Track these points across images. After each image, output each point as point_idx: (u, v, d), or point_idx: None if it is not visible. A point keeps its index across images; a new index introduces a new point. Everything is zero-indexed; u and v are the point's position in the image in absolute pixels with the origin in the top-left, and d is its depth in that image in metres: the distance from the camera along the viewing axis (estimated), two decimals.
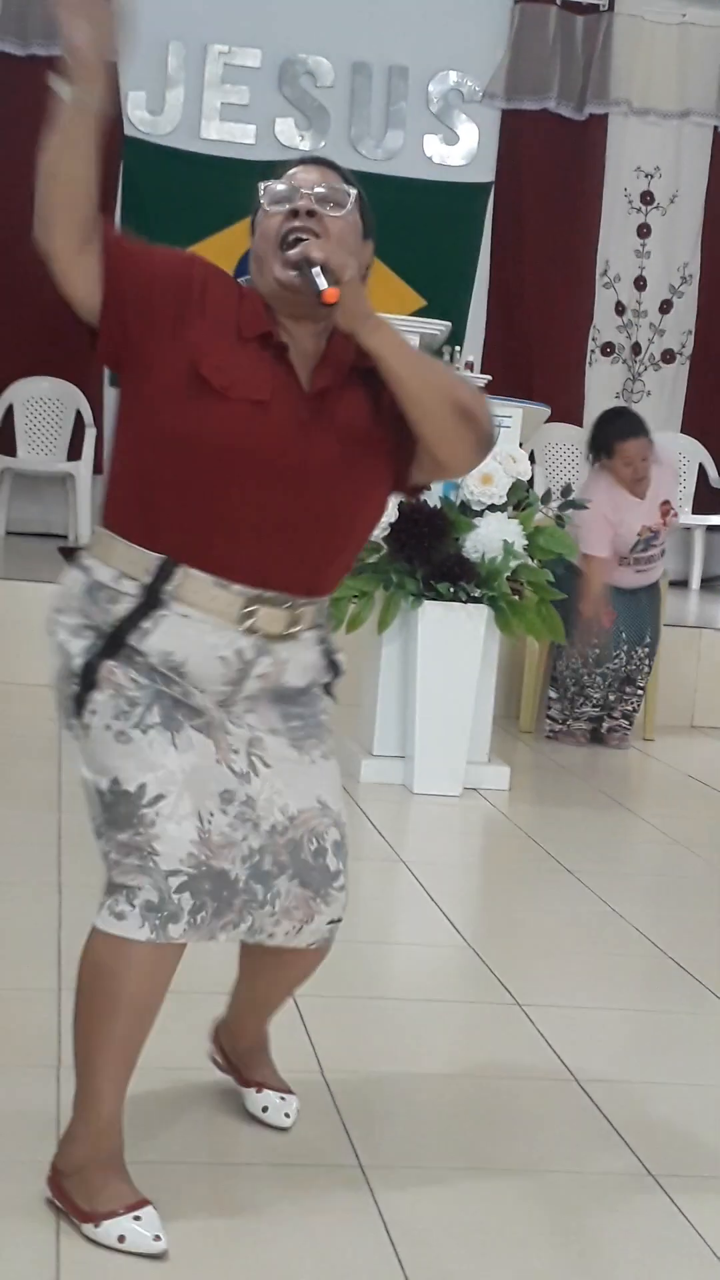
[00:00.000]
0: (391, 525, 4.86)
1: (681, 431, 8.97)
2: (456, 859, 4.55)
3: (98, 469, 8.00)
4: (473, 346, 8.61)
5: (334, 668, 2.36)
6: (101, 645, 2.18)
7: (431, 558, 4.91)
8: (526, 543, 4.98)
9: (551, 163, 8.81)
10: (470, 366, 8.03)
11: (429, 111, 8.83)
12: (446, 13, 8.64)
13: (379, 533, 4.87)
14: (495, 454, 5.01)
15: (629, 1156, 2.55)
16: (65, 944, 3.16)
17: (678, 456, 8.18)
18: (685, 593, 8.50)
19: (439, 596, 4.90)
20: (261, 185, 2.25)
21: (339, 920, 2.35)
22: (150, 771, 2.14)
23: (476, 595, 4.93)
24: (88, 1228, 2.14)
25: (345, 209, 2.22)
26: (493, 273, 8.89)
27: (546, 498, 5.33)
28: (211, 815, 2.17)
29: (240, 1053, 2.60)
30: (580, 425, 8.22)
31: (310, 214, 2.20)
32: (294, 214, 2.20)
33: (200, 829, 2.15)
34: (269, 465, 2.15)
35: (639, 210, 9.07)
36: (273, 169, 2.27)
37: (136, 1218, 2.13)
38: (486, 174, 8.88)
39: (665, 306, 9.12)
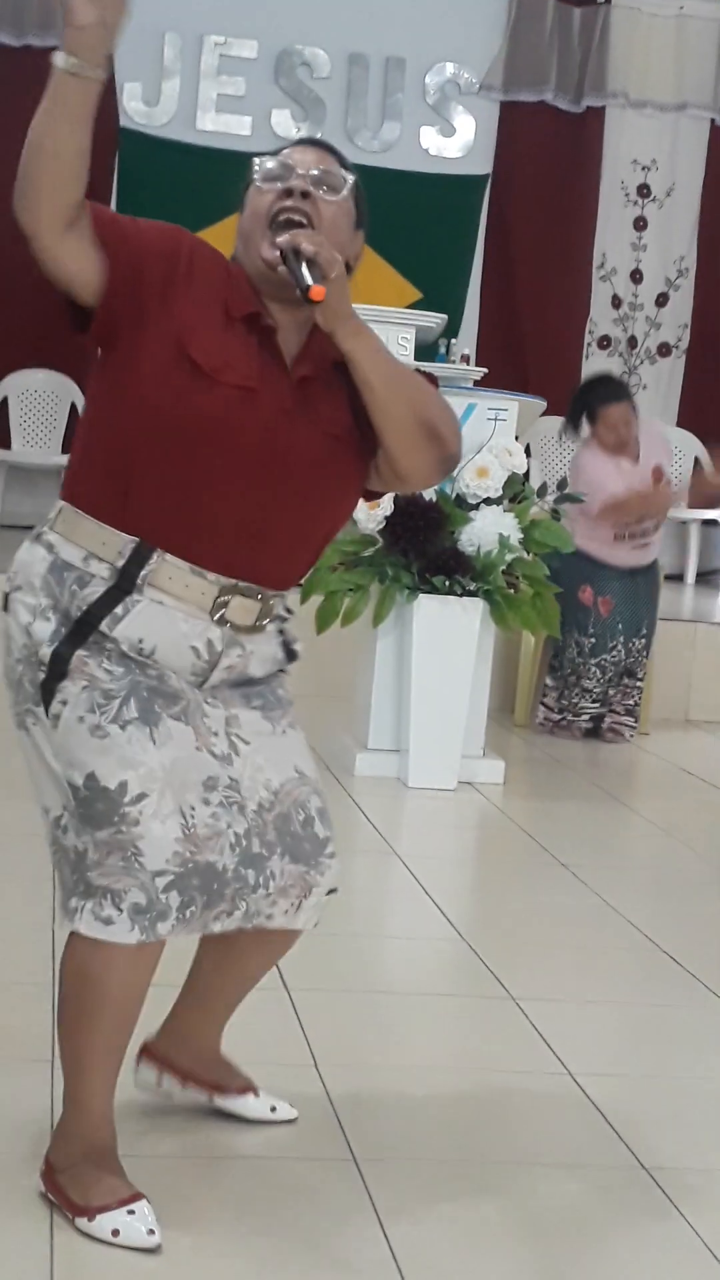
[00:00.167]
0: (387, 518, 4.85)
1: (677, 425, 8.96)
2: (451, 853, 4.55)
3: None
4: (468, 339, 8.62)
5: (291, 655, 2.31)
6: (69, 631, 2.09)
7: (427, 551, 4.90)
8: (522, 536, 4.97)
9: (548, 155, 8.81)
10: (466, 359, 8.03)
11: (426, 103, 8.83)
12: (443, 4, 8.64)
13: (375, 525, 4.87)
14: (491, 447, 5.02)
15: (623, 1151, 2.55)
16: (59, 939, 3.14)
17: (674, 450, 8.17)
18: (680, 587, 8.50)
19: (434, 590, 4.90)
20: (255, 160, 2.18)
21: (335, 890, 2.32)
22: (131, 769, 2.08)
23: (472, 589, 4.93)
24: (81, 1222, 2.14)
25: (340, 194, 2.17)
26: (489, 265, 8.89)
27: (542, 491, 5.33)
28: (194, 809, 2.12)
29: (207, 1062, 2.48)
30: None
31: (304, 195, 2.14)
32: (287, 193, 2.14)
33: (184, 825, 2.11)
34: (253, 453, 2.11)
35: (635, 203, 9.07)
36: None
37: (130, 1211, 2.12)
38: (483, 166, 8.87)
39: (661, 300, 9.12)
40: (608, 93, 8.88)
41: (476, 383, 7.03)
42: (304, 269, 2.05)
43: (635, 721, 6.14)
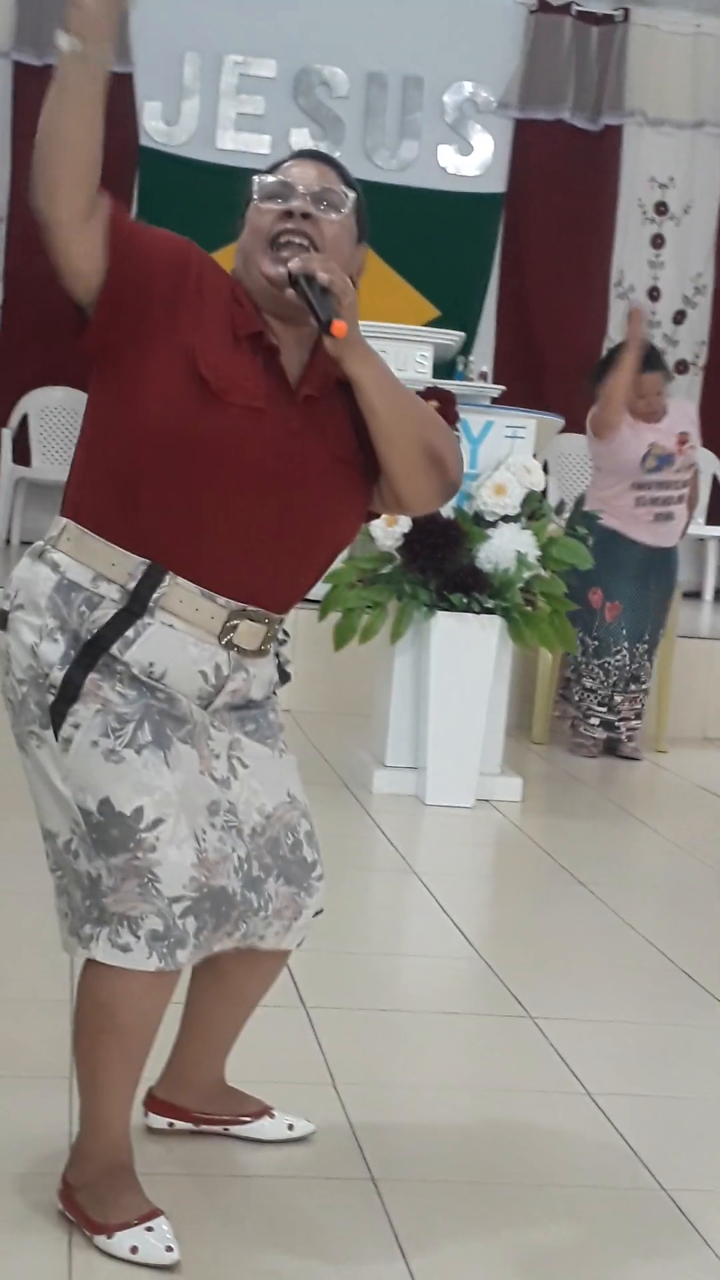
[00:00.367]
0: (405, 536, 4.86)
1: None
2: (469, 870, 4.54)
3: None
4: (485, 357, 8.63)
5: (284, 677, 2.31)
6: (79, 653, 2.05)
7: (445, 568, 4.91)
8: (540, 553, 4.97)
9: (566, 173, 8.83)
10: (484, 377, 8.05)
11: (444, 122, 8.85)
12: (461, 23, 8.66)
13: (393, 543, 4.87)
14: (509, 464, 5.02)
15: (643, 1173, 2.54)
16: (75, 957, 3.14)
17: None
18: (699, 604, 8.48)
19: (452, 607, 4.90)
20: (255, 178, 2.14)
21: (321, 911, 2.33)
22: (146, 795, 2.06)
23: (489, 606, 4.92)
24: (100, 1239, 2.13)
25: (342, 212, 2.13)
26: (506, 283, 8.90)
27: (560, 508, 5.33)
28: (204, 832, 2.11)
29: (214, 1097, 2.48)
30: None
31: (305, 216, 2.10)
32: (288, 214, 2.11)
33: (198, 850, 2.09)
34: (261, 473, 2.08)
35: (653, 221, 9.08)
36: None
37: (149, 1228, 2.12)
38: (501, 184, 8.89)
39: (679, 317, 9.12)
40: (625, 110, 8.90)
41: (494, 400, 7.03)
42: (317, 297, 2.02)
43: (638, 723, 6.13)
